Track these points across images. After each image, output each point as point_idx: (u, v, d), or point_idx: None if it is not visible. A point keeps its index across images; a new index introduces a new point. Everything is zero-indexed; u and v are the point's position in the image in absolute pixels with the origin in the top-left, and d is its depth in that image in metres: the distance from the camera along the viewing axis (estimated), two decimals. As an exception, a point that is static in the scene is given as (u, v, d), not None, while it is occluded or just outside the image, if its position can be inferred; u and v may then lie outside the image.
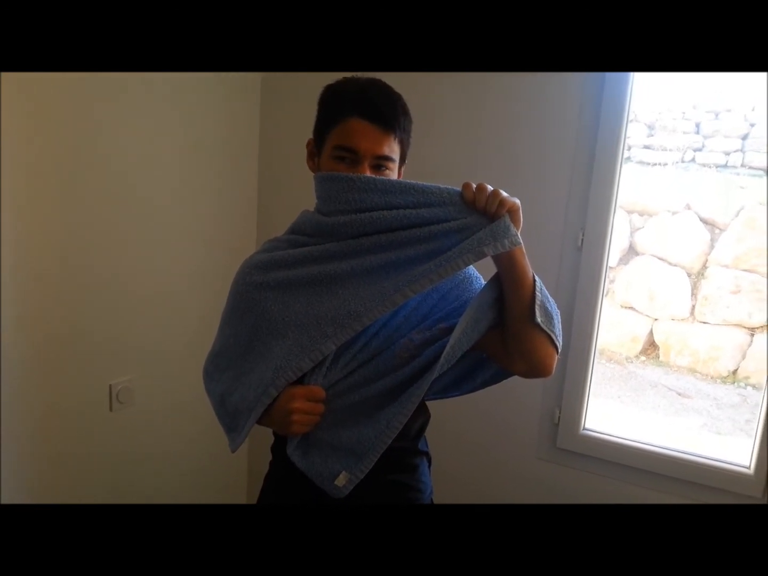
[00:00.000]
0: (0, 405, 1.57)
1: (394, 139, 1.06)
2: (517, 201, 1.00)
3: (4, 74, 1.43)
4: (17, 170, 1.51)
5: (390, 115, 1.06)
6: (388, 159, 1.07)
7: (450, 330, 1.07)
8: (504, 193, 0.99)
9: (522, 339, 1.06)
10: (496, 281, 1.07)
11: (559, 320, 1.09)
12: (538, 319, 1.03)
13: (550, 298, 1.08)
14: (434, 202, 1.01)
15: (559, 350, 1.09)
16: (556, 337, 1.07)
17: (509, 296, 1.05)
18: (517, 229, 0.99)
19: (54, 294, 1.66)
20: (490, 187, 0.99)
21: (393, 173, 1.09)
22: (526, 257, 1.03)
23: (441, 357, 1.04)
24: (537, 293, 1.04)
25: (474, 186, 0.99)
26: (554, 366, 1.10)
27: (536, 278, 1.05)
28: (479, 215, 0.99)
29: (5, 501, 1.61)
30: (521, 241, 0.99)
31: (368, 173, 1.05)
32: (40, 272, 1.62)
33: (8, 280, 1.54)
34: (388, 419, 1.06)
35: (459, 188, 1.01)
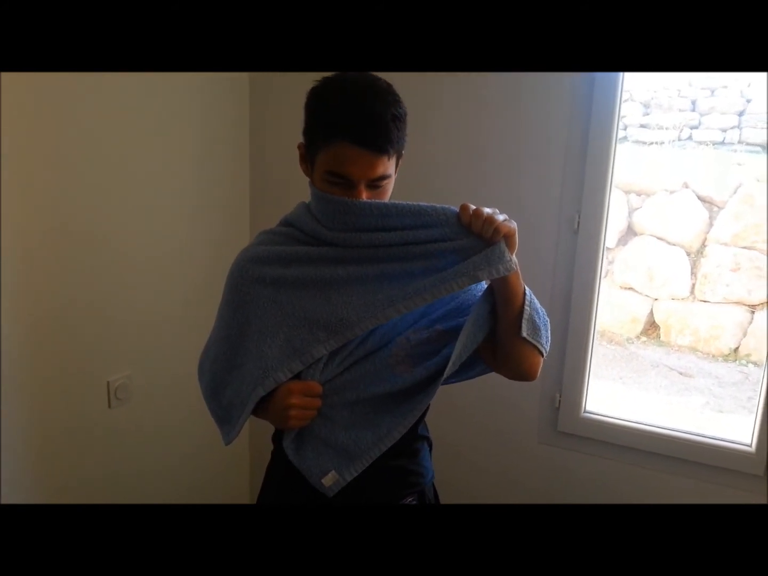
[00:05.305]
0: (-3, 405, 1.56)
1: (389, 159, 1.02)
2: (514, 225, 1.01)
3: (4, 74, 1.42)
4: (13, 166, 1.50)
5: (382, 136, 0.99)
6: (384, 178, 1.04)
7: (446, 333, 1.11)
8: (500, 218, 0.99)
9: (509, 350, 1.11)
10: (490, 293, 1.09)
11: (548, 329, 1.13)
12: (524, 333, 1.07)
13: (540, 310, 1.11)
14: (431, 223, 1.01)
15: (546, 355, 1.13)
16: (542, 346, 1.11)
17: (500, 310, 1.08)
18: (512, 254, 1.01)
19: (49, 291, 1.65)
20: (486, 211, 0.99)
21: (390, 185, 1.07)
22: (520, 276, 1.06)
23: (444, 371, 1.07)
24: (526, 308, 1.07)
25: (471, 209, 0.99)
26: (539, 370, 1.15)
27: (527, 292, 1.08)
28: (476, 237, 1.00)
29: (3, 501, 1.61)
30: (516, 266, 1.02)
31: (364, 194, 1.03)
32: (35, 269, 1.60)
33: (2, 277, 1.53)
34: (389, 427, 1.09)
35: (456, 208, 1.01)
